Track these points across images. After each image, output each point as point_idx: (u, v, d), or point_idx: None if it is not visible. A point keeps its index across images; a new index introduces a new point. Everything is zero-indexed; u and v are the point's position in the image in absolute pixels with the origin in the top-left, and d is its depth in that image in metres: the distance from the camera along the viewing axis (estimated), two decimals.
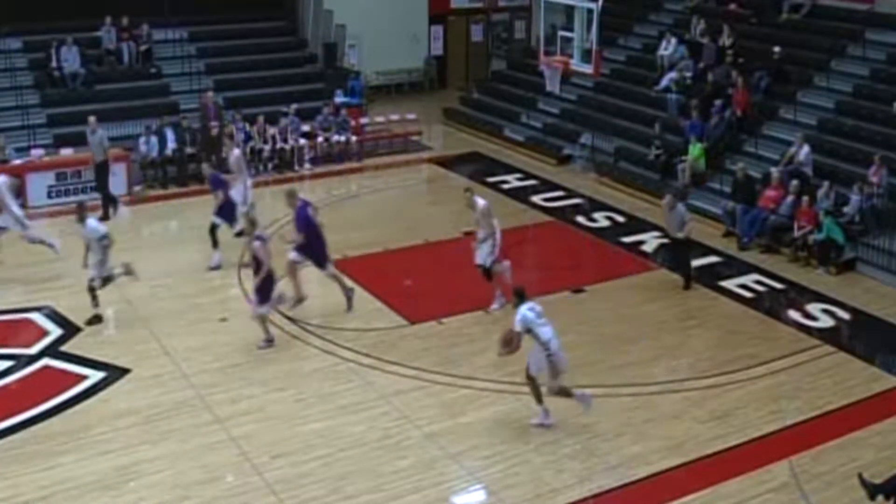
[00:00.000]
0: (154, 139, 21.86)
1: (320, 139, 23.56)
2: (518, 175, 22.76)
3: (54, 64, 23.85)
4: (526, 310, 11.91)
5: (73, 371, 13.44)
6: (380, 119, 25.69)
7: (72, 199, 19.75)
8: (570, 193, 21.42)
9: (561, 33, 21.30)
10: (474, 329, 14.77)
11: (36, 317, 15.03)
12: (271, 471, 11.27)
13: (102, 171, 19.66)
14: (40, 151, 21.17)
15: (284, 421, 12.31)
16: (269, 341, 14.15)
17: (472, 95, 28.49)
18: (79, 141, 21.17)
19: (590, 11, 19.87)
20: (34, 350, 13.99)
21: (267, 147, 22.79)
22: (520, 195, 21.26)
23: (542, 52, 22.02)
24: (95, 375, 13.27)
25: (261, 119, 22.96)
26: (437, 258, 17.66)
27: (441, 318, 15.05)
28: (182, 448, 11.71)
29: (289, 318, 15.01)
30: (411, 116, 25.74)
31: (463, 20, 31.47)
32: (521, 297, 12.14)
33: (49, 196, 20.26)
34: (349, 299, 15.36)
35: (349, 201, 21.27)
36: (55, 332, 14.55)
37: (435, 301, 15.74)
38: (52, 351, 14.00)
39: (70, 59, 23.88)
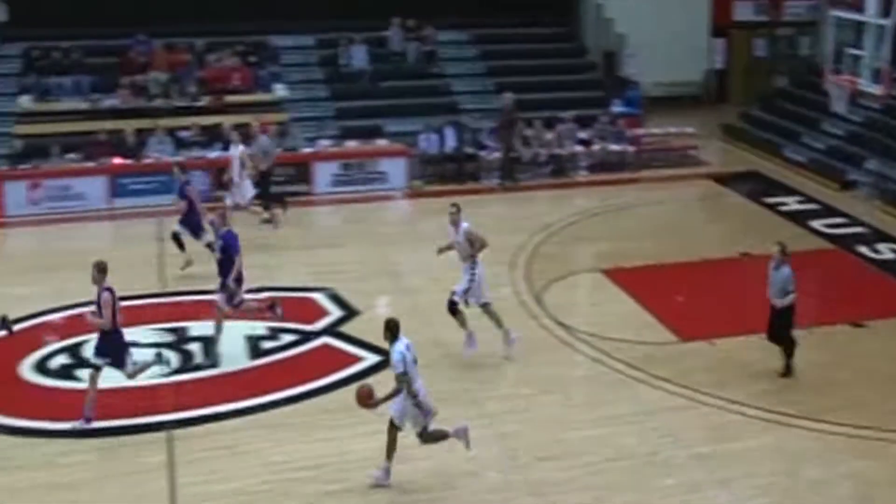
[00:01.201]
0: (434, 136, 22.52)
1: (596, 147, 23.51)
2: (798, 198, 21.82)
3: (343, 61, 25.04)
4: (404, 348, 10.71)
5: (350, 352, 14.00)
6: (656, 131, 25.33)
7: (354, 188, 20.79)
8: (853, 221, 20.35)
9: (850, 51, 20.28)
10: (747, 353, 14.22)
11: (318, 297, 15.76)
12: (536, 472, 11.28)
13: (265, 178, 19.74)
14: (327, 142, 22.26)
15: (551, 424, 12.29)
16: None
17: (752, 112, 27.64)
18: (364, 134, 22.17)
19: (881, 28, 18.81)
20: (315, 328, 14.67)
21: (543, 152, 22.96)
22: (799, 219, 20.39)
23: (828, 69, 21.04)
24: (370, 358, 13.72)
25: (538, 123, 23.16)
26: (712, 277, 17.18)
27: (713, 339, 14.62)
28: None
29: (560, 324, 15.02)
30: (689, 130, 25.24)
31: (746, 34, 30.57)
32: (395, 332, 10.82)
33: (333, 185, 21.30)
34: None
35: (623, 212, 21.05)
36: (335, 312, 15.21)
37: (708, 320, 15.32)
38: (331, 330, 14.64)
39: (358, 56, 24.97)
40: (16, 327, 14.02)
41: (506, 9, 26.71)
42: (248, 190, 18.66)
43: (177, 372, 13.40)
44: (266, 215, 18.94)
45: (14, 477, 11.18)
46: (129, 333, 14.05)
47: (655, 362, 13.92)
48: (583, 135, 23.64)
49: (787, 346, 13.50)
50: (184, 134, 21.68)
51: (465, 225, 14.14)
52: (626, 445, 11.86)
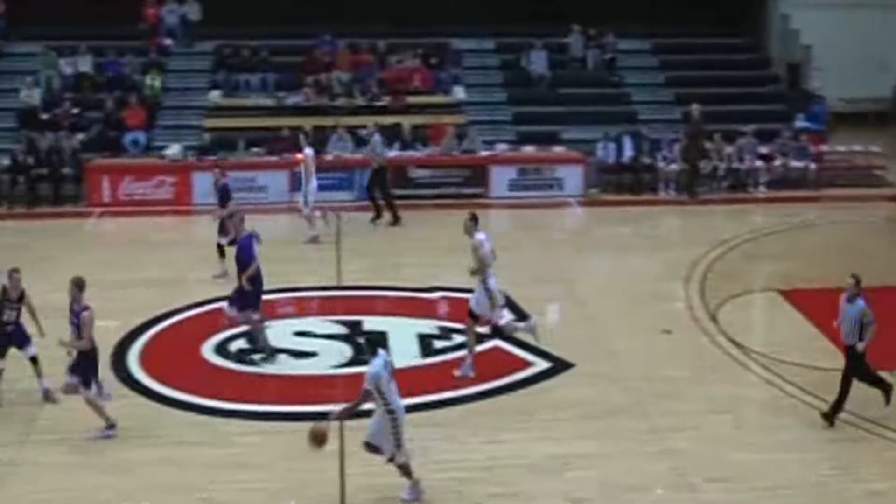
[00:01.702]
0: (611, 145, 22.37)
1: (777, 163, 22.87)
2: None
3: (523, 66, 25.14)
4: (381, 366, 10.14)
5: (520, 356, 14.01)
6: (841, 148, 24.49)
7: (530, 193, 20.89)
8: None
9: None
10: None
11: None
12: (704, 492, 11.02)
13: (377, 176, 20.05)
14: (504, 146, 22.39)
15: (720, 444, 11.98)
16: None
17: None
18: (541, 139, 22.23)
19: None
20: (486, 330, 14.73)
21: (722, 165, 22.50)
22: None
23: None
24: (541, 364, 13.72)
25: (718, 136, 22.70)
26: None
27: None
28: (615, 449, 11.74)
29: (734, 342, 14.69)
30: (875, 149, 24.28)
31: None
32: (375, 347, 10.50)
33: (509, 189, 21.42)
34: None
35: (803, 231, 20.44)
36: (507, 316, 15.16)
37: (889, 350, 14.64)
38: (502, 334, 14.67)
39: (538, 62, 25.02)
40: (200, 310, 14.73)
41: (688, 18, 26.33)
42: (311, 194, 18.72)
43: (350, 364, 13.71)
44: (378, 217, 19.66)
45: (190, 452, 11.65)
46: (306, 324, 14.62)
47: (831, 389, 13.38)
48: (763, 149, 23.06)
49: (881, 387, 12.58)
50: (364, 132, 22.17)
51: (478, 237, 13.56)
52: (796, 474, 11.46)
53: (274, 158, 21.28)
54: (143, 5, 25.25)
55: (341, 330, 14.71)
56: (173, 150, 21.46)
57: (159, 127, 22.88)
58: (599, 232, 20.01)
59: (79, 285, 11.63)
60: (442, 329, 14.75)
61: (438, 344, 14.40)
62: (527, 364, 13.75)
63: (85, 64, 24.37)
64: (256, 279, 13.68)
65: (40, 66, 24.18)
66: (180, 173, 20.52)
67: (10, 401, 12.65)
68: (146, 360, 13.78)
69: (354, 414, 10.59)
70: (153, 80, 23.86)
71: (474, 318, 13.44)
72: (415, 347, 14.23)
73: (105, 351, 13.77)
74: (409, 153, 21.81)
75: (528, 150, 22.26)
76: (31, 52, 24.83)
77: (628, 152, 22.45)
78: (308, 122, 22.17)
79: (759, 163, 22.74)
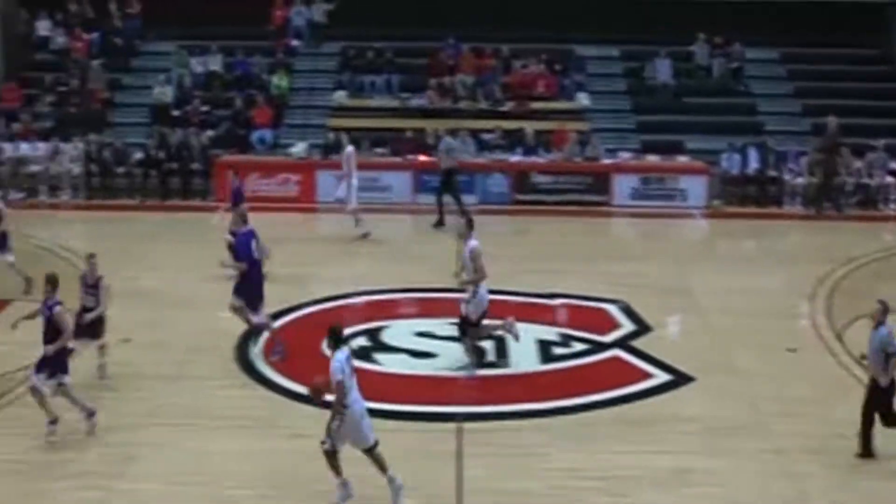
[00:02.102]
0: (736, 156, 21.98)
1: None
2: None
3: (648, 73, 24.88)
4: (344, 358, 10.07)
5: (640, 367, 13.87)
6: None
7: (652, 203, 20.68)
8: None
9: None
10: None
11: (611, 308, 15.74)
12: None
13: (448, 177, 19.97)
14: (627, 154, 22.21)
15: (849, 470, 11.55)
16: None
17: None
18: (665, 149, 22.00)
19: None
20: (607, 339, 14.67)
21: (851, 181, 21.90)
22: None
23: None
24: (661, 376, 13.54)
25: (846, 151, 22.09)
26: None
27: None
28: (738, 468, 11.48)
29: (861, 364, 14.25)
30: None
31: None
32: (338, 338, 10.29)
33: (632, 197, 21.24)
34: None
35: None
36: (628, 326, 15.14)
37: None
38: (623, 344, 14.58)
39: (662, 70, 24.74)
40: (322, 306, 14.97)
41: (817, 28, 25.72)
42: (354, 192, 19.07)
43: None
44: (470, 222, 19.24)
45: (310, 445, 11.81)
46: (427, 325, 14.70)
47: None
48: (895, 165, 22.35)
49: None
50: (486, 136, 22.26)
51: (472, 243, 13.54)
52: None
53: (397, 159, 21.48)
54: (272, 7, 25.78)
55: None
56: (298, 148, 21.87)
57: (285, 125, 23.36)
58: (722, 244, 19.68)
59: (52, 282, 11.65)
60: (562, 336, 14.67)
61: (558, 351, 14.34)
62: (647, 375, 13.59)
63: (215, 63, 25.01)
64: (253, 278, 13.70)
65: (173, 64, 24.91)
66: (305, 171, 20.91)
67: (136, 386, 13.11)
68: (268, 354, 14.03)
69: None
70: (280, 80, 24.34)
71: (470, 323, 13.45)
72: (534, 353, 14.19)
73: (229, 342, 14.20)
74: (532, 158, 21.80)
75: (652, 159, 22.03)
76: (164, 52, 25.60)
77: (753, 164, 22.03)
78: (431, 125, 22.34)
79: (889, 179, 22.04)
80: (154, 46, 25.96)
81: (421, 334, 14.66)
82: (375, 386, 13.13)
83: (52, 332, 11.49)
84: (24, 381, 13.13)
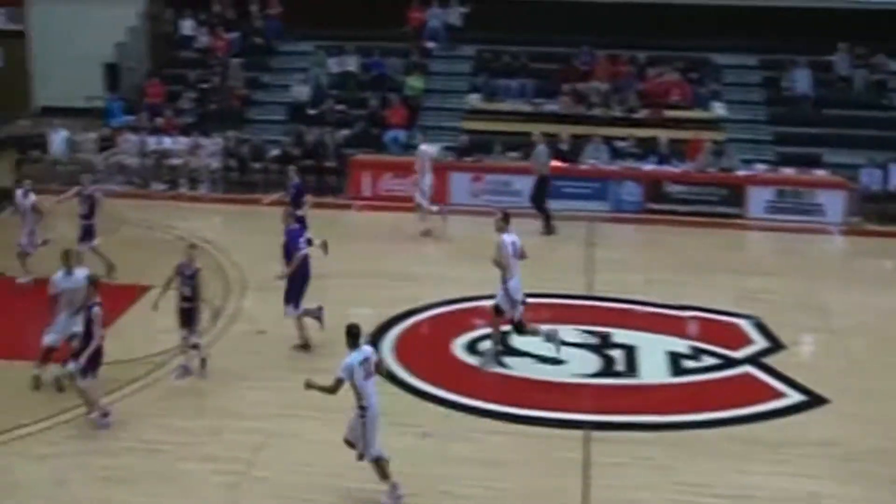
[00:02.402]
0: (877, 172, 21.33)
1: None
2: None
3: (786, 84, 24.32)
4: (358, 360, 10.20)
5: (772, 385, 13.55)
6: None
7: (788, 217, 20.24)
8: None
9: None
10: None
11: (744, 324, 15.41)
12: None
13: (541, 185, 19.77)
14: (763, 166, 21.75)
15: None
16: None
17: None
18: (802, 162, 21.49)
19: None
20: (739, 355, 14.41)
21: None
22: None
23: None
24: (794, 396, 13.21)
25: None
26: None
27: None
28: (870, 495, 11.14)
29: None
30: None
31: None
32: (355, 338, 10.36)
33: (767, 211, 20.80)
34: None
35: None
36: (760, 342, 14.82)
37: None
38: (755, 360, 14.27)
39: (801, 80, 24.14)
40: (453, 307, 15.10)
41: None
42: (427, 189, 19.41)
43: (598, 375, 13.71)
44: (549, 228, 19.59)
45: (436, 445, 11.94)
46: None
47: None
48: None
49: None
50: (619, 144, 22.09)
51: (503, 237, 13.75)
52: None
53: (529, 164, 21.44)
54: (409, 9, 26.07)
55: (591, 340, 14.70)
56: (432, 149, 22.06)
57: (419, 127, 23.59)
58: (860, 263, 19.08)
59: (94, 283, 12.03)
60: (693, 349, 14.46)
61: (688, 364, 14.12)
62: (779, 394, 13.28)
63: (351, 63, 25.42)
64: (302, 274, 14.07)
65: (310, 64, 25.40)
66: (437, 172, 21.06)
67: (270, 376, 13.46)
68: (399, 351, 14.24)
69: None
70: (415, 82, 24.60)
71: (499, 313, 13.68)
72: (664, 365, 14.03)
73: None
74: (665, 168, 21.54)
75: (788, 172, 21.49)
76: (302, 51, 26.13)
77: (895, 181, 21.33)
78: (564, 130, 22.28)
79: None
80: (292, 46, 26.52)
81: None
82: (504, 389, 13.27)
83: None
84: (162, 365, 13.69)
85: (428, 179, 19.52)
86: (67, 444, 11.97)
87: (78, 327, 12.61)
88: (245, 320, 15.29)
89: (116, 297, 14.49)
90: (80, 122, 24.60)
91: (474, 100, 24.09)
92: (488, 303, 14.23)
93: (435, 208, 19.49)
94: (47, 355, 13.10)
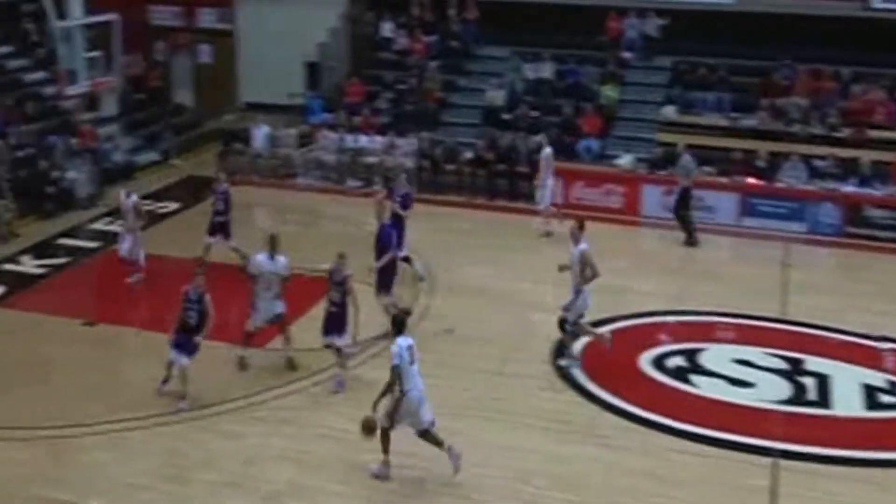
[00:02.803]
0: None
1: None
2: None
3: None
4: (405, 346, 10.94)
5: None
6: None
7: None
8: None
9: None
10: None
11: None
12: None
13: (683, 196, 19.36)
14: None
15: None
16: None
17: None
18: None
19: None
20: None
21: None
22: None
23: None
24: None
25: None
26: None
27: None
28: None
29: None
30: None
31: None
32: (400, 327, 11.12)
33: None
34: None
35: None
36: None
37: None
38: None
39: None
40: (640, 321, 14.99)
41: None
42: (547, 197, 19.65)
43: (789, 402, 13.33)
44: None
45: (616, 456, 11.92)
46: (746, 353, 14.39)
47: None
48: None
49: None
50: (819, 163, 21.37)
51: (583, 246, 13.78)
52: None
53: (724, 180, 21.05)
54: (607, 18, 25.92)
55: (782, 365, 14.29)
56: (625, 160, 21.90)
57: (613, 137, 23.39)
58: None
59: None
60: (891, 383, 13.86)
61: (885, 399, 13.53)
62: None
63: (546, 70, 25.45)
64: (389, 264, 14.67)
65: (506, 69, 25.59)
66: (630, 184, 20.86)
67: (457, 376, 13.64)
68: (586, 362, 14.22)
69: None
70: (610, 91, 24.45)
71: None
72: (858, 397, 13.50)
73: (545, 345, 14.51)
74: (867, 190, 20.69)
75: None
76: (498, 57, 26.31)
77: None
78: (762, 147, 21.72)
79: None
80: (489, 51, 26.76)
81: (739, 362, 14.29)
82: (690, 407, 13.08)
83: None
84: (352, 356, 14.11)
85: (549, 182, 19.77)
86: (257, 425, 12.57)
87: (280, 309, 13.23)
88: (433, 318, 15.57)
89: (309, 288, 15.03)
90: (281, 119, 25.56)
91: (669, 112, 23.74)
92: (678, 318, 14.10)
93: (553, 210, 19.77)
94: (249, 338, 13.76)
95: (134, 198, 17.21)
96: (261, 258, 13.74)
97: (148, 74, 27.61)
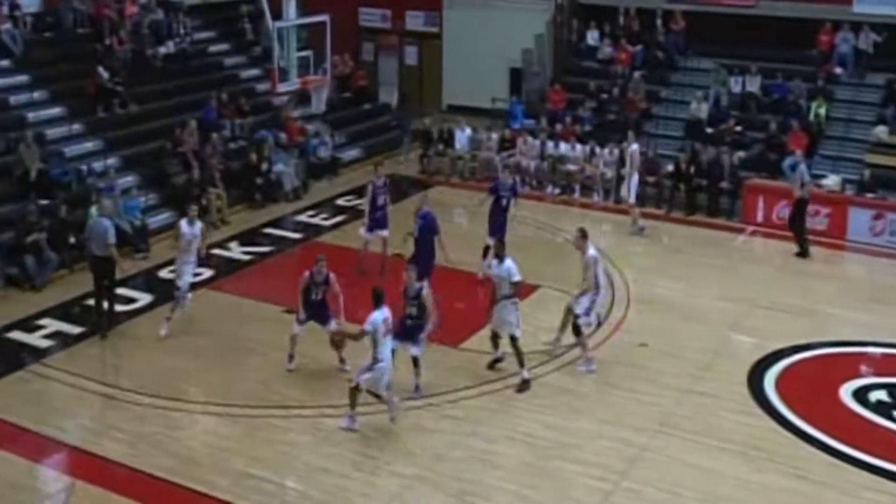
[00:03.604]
0: None
1: None
2: None
3: None
4: (381, 317, 12.03)
5: None
6: None
7: None
8: None
9: None
10: None
11: None
12: None
13: (799, 207, 19.14)
14: None
15: None
16: None
17: None
18: None
19: None
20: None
21: None
22: None
23: None
24: None
25: None
26: None
27: None
28: None
29: None
30: None
31: None
32: (379, 299, 12.16)
33: None
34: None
35: None
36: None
37: None
38: None
39: None
40: (841, 349, 14.47)
41: None
42: (633, 189, 20.14)
43: None
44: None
45: (807, 487, 11.51)
46: None
47: None
48: None
49: None
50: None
51: (591, 253, 13.96)
52: None
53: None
54: (818, 31, 25.05)
55: None
56: (831, 180, 21.12)
57: (819, 155, 22.59)
58: None
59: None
60: None
61: None
62: None
63: (753, 84, 24.80)
64: (426, 254, 15.87)
65: (711, 81, 25.09)
66: (836, 205, 20.08)
67: (648, 390, 13.48)
68: (782, 387, 13.79)
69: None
70: (818, 108, 23.63)
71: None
72: None
73: (741, 367, 14.20)
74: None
75: None
76: (704, 69, 25.82)
77: None
78: None
79: None
80: (694, 63, 26.28)
81: None
82: (889, 445, 12.50)
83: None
84: (544, 361, 14.20)
85: (635, 178, 20.17)
86: (450, 422, 12.82)
87: (511, 316, 13.53)
88: (627, 331, 15.47)
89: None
90: (482, 122, 25.83)
91: (881, 132, 22.73)
92: (883, 350, 13.50)
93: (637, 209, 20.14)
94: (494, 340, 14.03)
95: (199, 226, 15.56)
96: (493, 264, 13.89)
97: (355, 74, 28.44)
